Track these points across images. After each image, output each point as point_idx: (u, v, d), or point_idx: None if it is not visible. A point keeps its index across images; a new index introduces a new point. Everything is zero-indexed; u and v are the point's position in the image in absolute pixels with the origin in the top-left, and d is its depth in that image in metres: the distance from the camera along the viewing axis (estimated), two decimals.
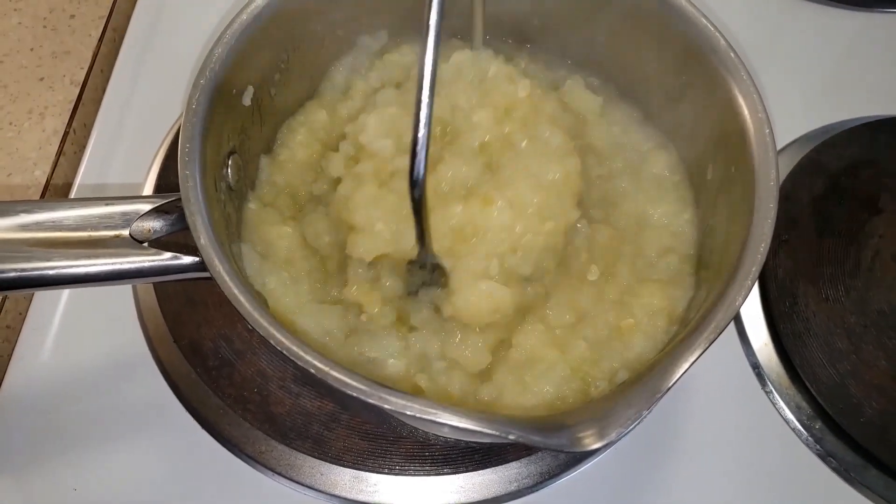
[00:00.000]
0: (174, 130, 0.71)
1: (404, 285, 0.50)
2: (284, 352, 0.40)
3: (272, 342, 0.40)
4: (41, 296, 0.64)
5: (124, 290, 0.63)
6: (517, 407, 0.48)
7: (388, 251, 0.48)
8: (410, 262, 0.49)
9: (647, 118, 0.59)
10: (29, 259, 0.42)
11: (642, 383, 0.41)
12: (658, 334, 0.50)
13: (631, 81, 0.59)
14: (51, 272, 0.43)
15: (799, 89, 0.77)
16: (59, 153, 0.69)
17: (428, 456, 0.57)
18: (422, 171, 0.39)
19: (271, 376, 0.59)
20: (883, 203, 0.67)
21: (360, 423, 0.58)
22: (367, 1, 0.57)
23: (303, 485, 0.56)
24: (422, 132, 0.38)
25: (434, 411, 0.38)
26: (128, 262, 0.44)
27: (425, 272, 0.49)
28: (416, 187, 0.39)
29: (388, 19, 0.59)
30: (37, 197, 0.67)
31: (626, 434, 0.39)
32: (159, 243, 0.45)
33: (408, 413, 0.38)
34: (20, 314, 0.63)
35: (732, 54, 0.50)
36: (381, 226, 0.47)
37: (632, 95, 0.60)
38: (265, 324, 0.41)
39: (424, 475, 0.57)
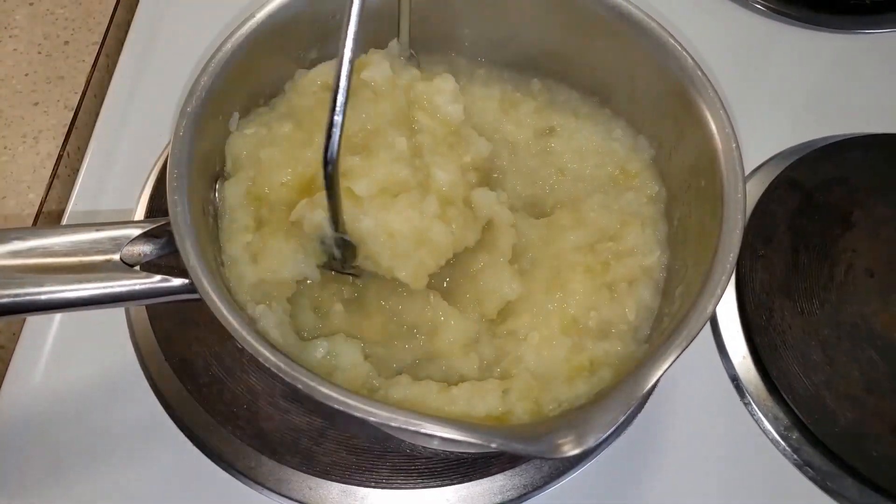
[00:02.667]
0: (166, 153, 0.73)
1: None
2: (273, 369, 0.41)
3: (261, 360, 0.42)
4: (34, 317, 0.65)
5: (117, 311, 0.65)
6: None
7: None
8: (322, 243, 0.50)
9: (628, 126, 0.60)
10: (21, 285, 0.43)
11: (618, 390, 0.42)
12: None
13: (607, 93, 0.60)
14: (43, 297, 0.43)
15: (775, 109, 0.79)
16: (53, 176, 0.71)
17: (414, 469, 0.58)
18: (335, 151, 0.41)
19: (261, 393, 0.61)
20: (855, 219, 0.69)
21: (347, 438, 0.59)
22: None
23: (292, 499, 0.57)
24: (337, 117, 0.40)
25: (418, 422, 0.39)
26: (118, 286, 0.45)
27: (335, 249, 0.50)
28: (329, 164, 0.42)
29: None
30: (31, 220, 0.68)
31: (603, 440, 0.40)
32: (150, 266, 0.46)
33: (392, 425, 0.40)
34: (14, 334, 0.64)
35: (700, 73, 0.52)
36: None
37: (609, 104, 0.60)
38: (253, 342, 0.42)
39: (412, 488, 0.58)
